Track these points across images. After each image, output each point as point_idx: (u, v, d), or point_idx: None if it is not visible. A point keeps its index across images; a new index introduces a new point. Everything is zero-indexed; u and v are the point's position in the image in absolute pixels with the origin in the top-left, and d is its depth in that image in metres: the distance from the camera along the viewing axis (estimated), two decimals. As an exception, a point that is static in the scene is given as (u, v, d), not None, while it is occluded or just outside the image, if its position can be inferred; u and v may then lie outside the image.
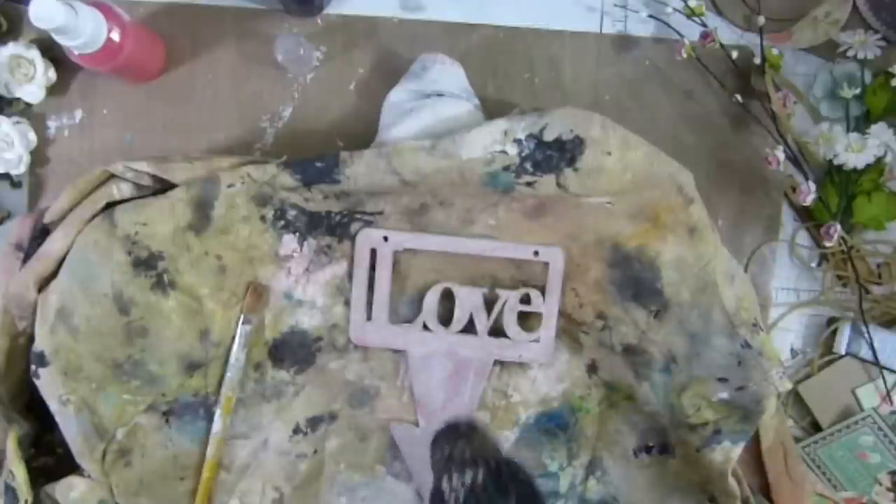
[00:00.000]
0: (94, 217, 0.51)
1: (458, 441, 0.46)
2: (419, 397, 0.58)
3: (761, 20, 0.58)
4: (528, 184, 0.52)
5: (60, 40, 0.50)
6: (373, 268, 0.57)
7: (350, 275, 0.58)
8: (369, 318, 0.58)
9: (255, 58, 0.60)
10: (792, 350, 0.63)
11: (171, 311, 0.54)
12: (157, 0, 0.60)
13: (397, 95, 0.56)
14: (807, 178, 0.56)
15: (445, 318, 0.58)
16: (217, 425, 0.56)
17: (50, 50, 0.58)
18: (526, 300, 0.58)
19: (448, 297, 0.58)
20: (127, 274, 0.52)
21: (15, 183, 0.61)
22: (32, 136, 0.59)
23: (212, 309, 0.55)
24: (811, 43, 0.60)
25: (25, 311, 0.51)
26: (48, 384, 0.50)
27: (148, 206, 0.52)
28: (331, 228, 0.57)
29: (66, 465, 0.52)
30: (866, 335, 0.58)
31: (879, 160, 0.57)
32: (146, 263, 0.52)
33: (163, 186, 0.53)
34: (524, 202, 0.56)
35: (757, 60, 0.59)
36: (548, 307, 0.58)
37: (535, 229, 0.57)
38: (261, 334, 0.58)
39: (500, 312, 0.58)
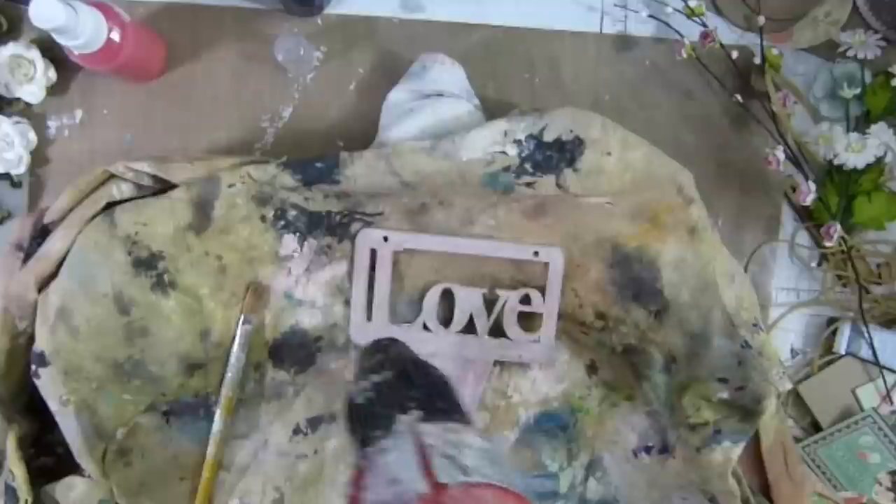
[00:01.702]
0: (94, 217, 0.51)
1: (376, 354, 0.46)
2: (419, 397, 0.58)
3: (761, 20, 0.58)
4: (528, 184, 0.52)
5: (60, 40, 0.50)
6: (373, 268, 0.57)
7: (350, 275, 0.58)
8: (369, 318, 0.58)
9: (255, 58, 0.60)
10: (792, 350, 0.62)
11: (171, 311, 0.54)
12: (157, 0, 0.60)
13: (397, 95, 0.56)
14: (807, 178, 0.56)
15: (445, 319, 0.58)
16: (217, 425, 0.56)
17: (50, 50, 0.58)
18: (526, 300, 0.58)
19: (448, 298, 0.58)
20: (127, 274, 0.52)
21: (15, 183, 0.61)
22: (32, 136, 0.59)
23: (212, 309, 0.55)
24: (811, 43, 0.60)
25: (25, 311, 0.51)
26: (48, 384, 0.50)
27: (148, 206, 0.52)
28: (331, 228, 0.57)
29: (66, 465, 0.52)
30: (866, 335, 0.58)
31: (879, 160, 0.57)
32: (146, 263, 0.52)
33: (163, 186, 0.53)
34: (524, 202, 0.56)
35: (757, 60, 0.59)
36: (548, 307, 0.58)
37: (535, 229, 0.57)
38: (261, 334, 0.58)
39: (500, 313, 0.58)
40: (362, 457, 0.38)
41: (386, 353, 0.46)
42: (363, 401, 0.41)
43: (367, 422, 0.39)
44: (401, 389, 0.41)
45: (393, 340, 0.48)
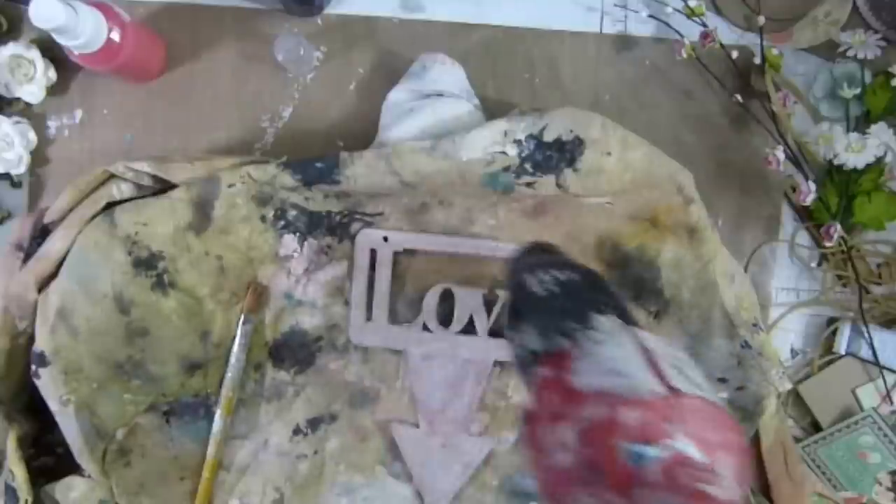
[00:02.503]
0: (94, 217, 0.51)
1: (542, 254, 0.45)
2: (419, 398, 0.58)
3: (761, 20, 0.58)
4: (528, 184, 0.52)
5: (60, 40, 0.50)
6: (373, 268, 0.57)
7: (350, 275, 0.58)
8: (369, 318, 0.58)
9: (255, 58, 0.60)
10: (792, 350, 0.62)
11: (171, 312, 0.54)
12: (157, 0, 0.60)
13: (397, 95, 0.56)
14: (807, 178, 0.56)
15: (445, 319, 0.58)
16: (217, 425, 0.56)
17: (50, 50, 0.58)
18: (526, 300, 0.58)
19: (448, 298, 0.58)
20: (127, 274, 0.52)
21: (15, 183, 0.61)
22: (32, 136, 0.59)
23: (212, 309, 0.55)
24: (811, 43, 0.60)
25: (25, 311, 0.51)
26: (48, 384, 0.50)
27: (148, 206, 0.52)
28: (331, 228, 0.57)
29: (66, 465, 0.52)
30: (866, 335, 0.58)
31: (879, 160, 0.57)
32: (146, 263, 0.52)
33: (163, 186, 0.53)
34: (524, 202, 0.56)
35: (757, 60, 0.59)
36: (548, 307, 0.58)
37: (535, 229, 0.57)
38: (261, 334, 0.58)
39: (500, 313, 0.58)
40: (549, 343, 0.36)
41: (553, 255, 0.44)
42: (545, 293, 0.39)
43: (554, 313, 0.38)
44: (590, 292, 0.39)
45: (552, 245, 0.46)
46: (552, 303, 0.39)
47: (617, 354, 0.34)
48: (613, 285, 0.42)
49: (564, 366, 0.35)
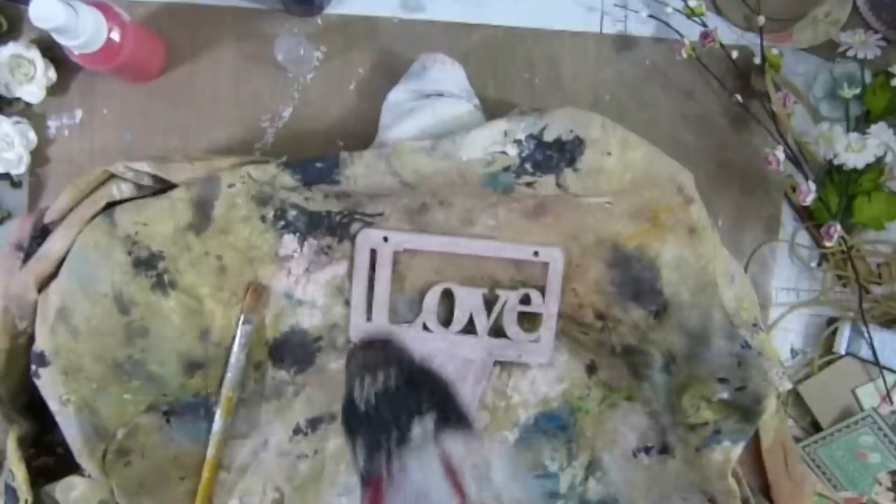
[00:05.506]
0: (94, 217, 0.51)
1: (372, 351, 0.44)
2: (419, 397, 0.58)
3: (761, 20, 0.58)
4: (528, 184, 0.52)
5: (60, 40, 0.50)
6: (373, 268, 0.57)
7: (350, 275, 0.58)
8: (369, 318, 0.58)
9: (255, 58, 0.60)
10: (792, 350, 0.63)
11: (171, 311, 0.54)
12: (157, 0, 0.60)
13: (397, 95, 0.56)
14: (807, 178, 0.56)
15: (445, 319, 0.58)
16: (217, 425, 0.56)
17: (50, 50, 0.58)
18: (526, 300, 0.58)
19: (448, 298, 0.58)
20: (127, 274, 0.52)
21: (15, 183, 0.61)
22: (32, 136, 0.59)
23: (212, 309, 0.55)
24: (811, 43, 0.60)
25: (25, 311, 0.51)
26: (48, 384, 0.50)
27: (148, 206, 0.52)
28: (331, 229, 0.57)
29: (66, 465, 0.52)
30: (866, 335, 0.58)
31: (879, 160, 0.57)
32: (146, 263, 0.52)
33: (163, 186, 0.53)
34: (524, 202, 0.56)
35: (757, 60, 0.59)
36: (547, 307, 0.58)
37: (535, 229, 0.57)
38: (261, 334, 0.58)
39: (500, 313, 0.58)
40: (372, 465, 0.37)
41: (383, 350, 0.44)
42: (366, 406, 0.40)
43: (376, 427, 0.39)
44: (408, 396, 0.40)
45: (385, 339, 0.47)
46: (373, 417, 0.39)
47: (422, 475, 0.35)
48: (433, 375, 0.42)
49: (381, 491, 0.36)
